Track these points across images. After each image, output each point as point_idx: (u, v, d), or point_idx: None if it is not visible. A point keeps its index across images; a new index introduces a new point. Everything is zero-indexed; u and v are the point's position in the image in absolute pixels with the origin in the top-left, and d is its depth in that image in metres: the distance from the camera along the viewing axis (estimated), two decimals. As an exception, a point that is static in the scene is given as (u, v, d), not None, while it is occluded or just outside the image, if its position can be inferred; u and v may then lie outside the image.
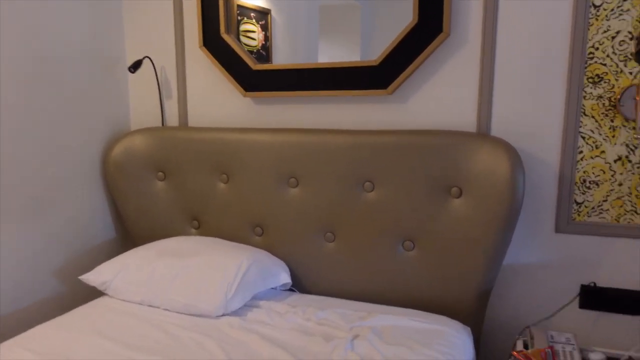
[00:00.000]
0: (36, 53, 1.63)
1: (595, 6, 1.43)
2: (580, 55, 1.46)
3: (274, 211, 1.72)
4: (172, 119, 2.00)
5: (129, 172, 1.87)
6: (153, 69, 1.96)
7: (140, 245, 1.81)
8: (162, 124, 1.99)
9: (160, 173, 1.89)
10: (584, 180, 1.52)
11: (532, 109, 1.54)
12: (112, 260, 1.66)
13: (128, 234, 2.03)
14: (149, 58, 1.93)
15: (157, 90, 1.98)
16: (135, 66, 1.87)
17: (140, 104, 2.03)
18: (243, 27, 1.80)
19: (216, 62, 1.82)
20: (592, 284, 1.54)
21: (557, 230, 1.56)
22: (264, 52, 1.80)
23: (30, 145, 1.64)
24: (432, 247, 1.54)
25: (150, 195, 1.89)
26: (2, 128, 1.54)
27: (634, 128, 1.45)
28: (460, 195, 1.49)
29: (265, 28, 1.79)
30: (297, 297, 1.63)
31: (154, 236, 1.89)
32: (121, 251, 2.00)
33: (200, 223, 1.87)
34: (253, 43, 1.80)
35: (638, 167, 1.47)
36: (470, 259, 1.48)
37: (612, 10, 1.42)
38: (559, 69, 1.49)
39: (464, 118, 1.60)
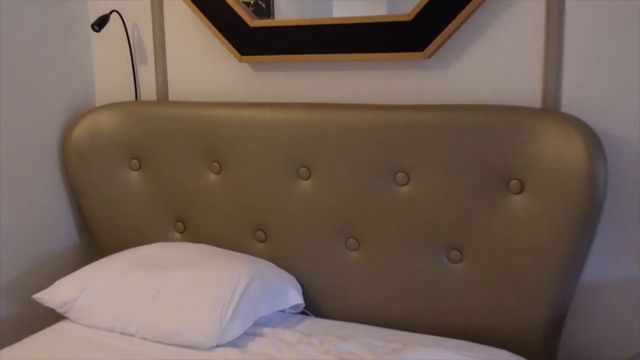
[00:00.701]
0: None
1: None
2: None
3: (280, 210, 1.72)
4: (149, 92, 2.00)
5: (94, 160, 1.87)
6: (123, 27, 1.95)
7: (109, 255, 1.81)
8: (136, 98, 2.00)
9: (134, 161, 1.89)
10: (683, 170, 1.46)
11: (613, 78, 1.48)
12: (74, 274, 1.65)
13: (94, 240, 2.04)
14: (118, 12, 1.92)
15: (129, 54, 1.97)
16: (100, 23, 1.87)
17: (108, 72, 2.04)
18: (236, -28, 1.80)
19: (204, 17, 1.81)
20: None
21: (647, 231, 1.52)
22: (263, 5, 1.81)
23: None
24: (486, 258, 1.52)
25: (121, 189, 1.90)
26: None
27: None
28: (521, 190, 1.47)
29: (264, -26, 1.81)
30: (312, 322, 1.63)
31: (127, 242, 1.88)
32: (86, 262, 1.96)
33: (185, 225, 1.88)
34: (250, -8, 1.82)
35: None
36: (536, 274, 1.45)
37: None
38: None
39: (525, 89, 1.57)
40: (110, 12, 1.89)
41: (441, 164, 1.53)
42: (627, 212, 1.52)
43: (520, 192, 1.46)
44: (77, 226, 2.00)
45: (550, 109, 1.53)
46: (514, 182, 1.46)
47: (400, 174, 1.58)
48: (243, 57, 1.79)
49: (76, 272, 1.66)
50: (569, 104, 1.52)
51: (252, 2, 1.80)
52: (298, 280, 1.68)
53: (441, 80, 1.65)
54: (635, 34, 1.44)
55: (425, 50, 1.58)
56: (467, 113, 1.51)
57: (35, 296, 1.60)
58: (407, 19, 1.58)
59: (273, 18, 1.80)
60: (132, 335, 1.50)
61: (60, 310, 1.58)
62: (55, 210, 1.92)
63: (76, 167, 1.87)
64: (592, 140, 1.38)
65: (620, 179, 1.51)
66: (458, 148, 1.50)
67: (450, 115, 1.52)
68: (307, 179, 1.68)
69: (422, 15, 1.57)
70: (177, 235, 1.89)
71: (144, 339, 1.48)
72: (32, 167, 1.83)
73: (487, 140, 1.47)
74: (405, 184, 1.58)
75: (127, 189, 1.89)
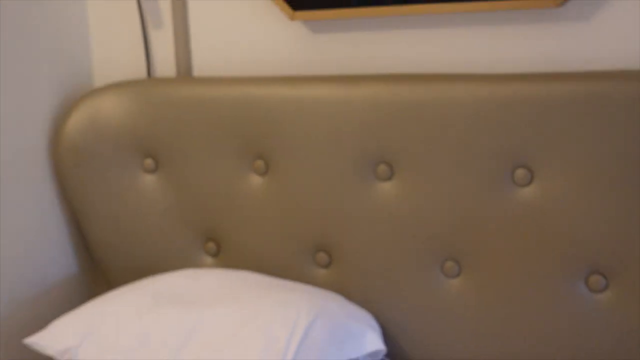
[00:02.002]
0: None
1: None
2: None
3: (350, 223, 1.74)
4: (165, 66, 2.04)
5: (94, 159, 1.91)
6: None
7: (118, 287, 1.85)
8: (148, 75, 2.03)
9: (149, 160, 1.92)
10: None
11: None
12: (75, 313, 1.68)
13: (97, 268, 2.08)
14: None
15: (138, 15, 2.01)
16: None
17: (110, 41, 2.08)
18: None
19: None
20: None
21: None
22: None
23: None
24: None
25: (132, 199, 1.93)
26: None
27: None
28: None
29: None
30: None
31: (142, 270, 1.93)
32: (88, 297, 2.05)
33: (219, 246, 1.91)
34: None
35: None
36: None
37: None
38: None
39: None
40: None
41: (575, 153, 1.52)
42: None
43: None
44: (74, 250, 2.04)
45: None
46: None
47: (520, 171, 1.58)
48: (296, 12, 1.80)
49: (78, 309, 1.68)
50: None
51: None
52: (376, 317, 1.70)
53: (579, 35, 1.64)
54: None
55: None
56: (612, 82, 1.50)
57: (28, 340, 1.63)
58: None
59: None
60: (157, 396, 1.53)
61: (61, 359, 1.61)
62: (46, 231, 1.95)
63: (71, 171, 1.91)
64: None
65: None
66: (598, 131, 1.50)
67: (590, 86, 1.51)
68: (388, 179, 1.70)
69: None
70: (209, 259, 1.91)
71: (173, 401, 1.51)
72: (12, 174, 1.85)
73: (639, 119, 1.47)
74: (528, 185, 1.58)
75: (140, 198, 1.92)
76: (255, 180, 1.82)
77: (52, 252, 1.98)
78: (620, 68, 1.61)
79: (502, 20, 1.70)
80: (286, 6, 1.81)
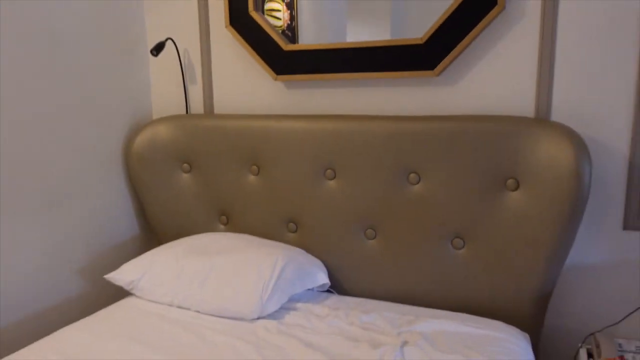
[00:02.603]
0: (51, 36, 1.63)
1: (675, -27, 1.36)
2: (657, 29, 1.39)
3: (309, 205, 1.71)
4: (197, 106, 2.00)
5: (152, 164, 1.89)
6: (176, 52, 1.96)
7: (165, 243, 1.83)
8: (187, 112, 2.00)
9: (186, 165, 1.89)
10: (659, 171, 1.45)
11: (598, 91, 1.49)
12: (138, 259, 1.67)
13: (152, 231, 2.06)
14: (172, 40, 1.93)
15: (181, 74, 1.98)
16: (158, 48, 1.87)
17: (163, 89, 2.04)
18: (268, 5, 1.79)
19: (244, 42, 1.81)
20: (667, 286, 1.49)
21: (626, 227, 1.51)
22: (289, 32, 1.80)
23: (46, 136, 1.64)
24: (485, 246, 1.51)
25: (175, 188, 1.90)
26: (15, 117, 1.55)
27: None
28: (517, 188, 1.46)
29: (290, 6, 1.78)
30: (337, 299, 1.62)
31: (180, 233, 1.91)
32: (145, 249, 2.03)
33: (229, 218, 1.88)
34: (278, 23, 1.80)
35: None
36: (527, 259, 1.45)
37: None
38: (629, 47, 1.43)
39: (521, 102, 1.57)
40: (166, 39, 1.90)
41: (447, 166, 1.52)
42: (605, 208, 1.52)
43: (516, 190, 1.45)
44: (137, 220, 2.01)
45: (542, 118, 1.51)
46: (510, 181, 1.45)
47: (412, 175, 1.57)
48: (278, 76, 1.79)
49: (140, 256, 1.68)
50: (558, 114, 1.52)
51: (280, 30, 1.79)
52: (325, 264, 1.68)
53: (449, 94, 1.64)
54: (613, 54, 1.45)
55: (435, 69, 1.58)
56: (471, 122, 1.50)
57: (107, 276, 1.63)
58: (419, 42, 1.58)
59: (298, 43, 1.78)
60: (188, 309, 1.52)
61: (127, 288, 1.61)
62: (120, 207, 1.93)
63: (137, 170, 1.89)
64: (580, 145, 1.37)
65: (600, 179, 1.51)
66: (462, 152, 1.50)
67: (456, 124, 1.51)
68: (332, 179, 1.68)
69: (433, 39, 1.56)
70: (222, 226, 1.88)
71: (198, 312, 1.50)
72: (101, 171, 1.84)
73: (488, 146, 1.46)
74: (417, 183, 1.57)
75: (179, 188, 1.89)
76: (251, 178, 1.80)
77: (123, 221, 1.96)
78: (473, 114, 1.61)
79: (402, 83, 1.69)
80: (272, 72, 1.80)
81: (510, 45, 1.55)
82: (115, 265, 1.87)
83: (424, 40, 1.58)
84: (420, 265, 1.60)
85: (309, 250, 1.72)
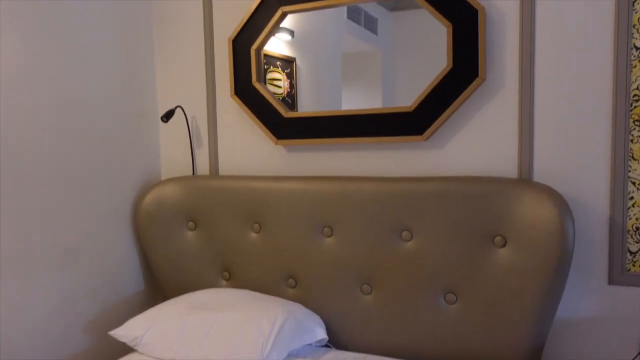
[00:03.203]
0: (69, 102, 1.74)
1: (636, 48, 1.48)
2: (625, 97, 1.49)
3: (307, 261, 1.74)
4: (203, 168, 2.07)
5: (159, 222, 1.93)
6: (184, 118, 2.06)
7: (170, 298, 1.85)
8: (193, 173, 2.07)
9: (191, 223, 1.94)
10: (637, 228, 1.52)
11: (576, 153, 1.56)
12: (143, 314, 1.70)
13: (157, 286, 2.08)
14: (181, 107, 2.04)
15: (188, 139, 2.07)
16: (168, 116, 1.97)
17: (171, 152, 2.12)
18: (269, 75, 1.90)
19: (248, 110, 1.91)
20: (654, 341, 1.51)
21: (611, 281, 1.55)
22: (289, 100, 1.89)
23: (61, 194, 1.72)
24: (476, 300, 1.53)
25: (180, 245, 1.94)
26: (34, 176, 1.64)
27: (687, 172, 1.45)
28: (504, 244, 1.50)
29: (290, 76, 1.88)
30: (335, 354, 1.63)
31: (184, 288, 1.93)
32: (150, 304, 2.05)
33: (231, 274, 1.90)
34: (279, 91, 1.90)
35: (695, 214, 1.46)
36: (518, 313, 1.47)
37: (656, 51, 1.46)
38: (603, 112, 1.53)
39: (504, 164, 1.63)
40: (175, 107, 2.00)
41: (438, 224, 1.56)
42: (591, 263, 1.56)
43: (503, 246, 1.49)
44: (143, 275, 2.04)
45: (525, 179, 1.57)
46: (498, 238, 1.49)
47: (405, 232, 1.61)
48: (279, 140, 1.87)
49: (143, 313, 1.69)
50: (539, 175, 1.59)
51: (281, 98, 1.88)
52: (322, 318, 1.69)
53: (437, 157, 1.70)
54: (588, 117, 1.53)
55: (424, 134, 1.66)
56: (458, 183, 1.55)
57: (111, 332, 1.64)
58: (409, 110, 1.66)
59: (297, 110, 1.87)
60: (190, 364, 1.51)
61: (131, 344, 1.61)
62: (127, 262, 1.97)
63: (145, 227, 1.93)
64: (562, 204, 1.42)
65: (584, 235, 1.56)
66: (451, 211, 1.54)
67: (445, 185, 1.56)
68: (329, 236, 1.71)
69: (421, 107, 1.65)
70: (224, 282, 1.90)
71: (200, 367, 1.49)
72: (111, 228, 1.89)
73: (475, 204, 1.51)
74: (409, 240, 1.61)
75: (184, 245, 1.92)
76: (253, 235, 1.84)
77: (130, 276, 2.00)
78: (461, 175, 1.66)
79: (394, 147, 1.76)
80: (273, 137, 1.88)
81: (492, 112, 1.64)
82: (120, 320, 1.88)
83: (412, 108, 1.67)
84: (415, 320, 1.61)
85: (307, 305, 1.73)
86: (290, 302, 1.72)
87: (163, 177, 2.15)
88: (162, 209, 1.93)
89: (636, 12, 1.47)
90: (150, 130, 2.09)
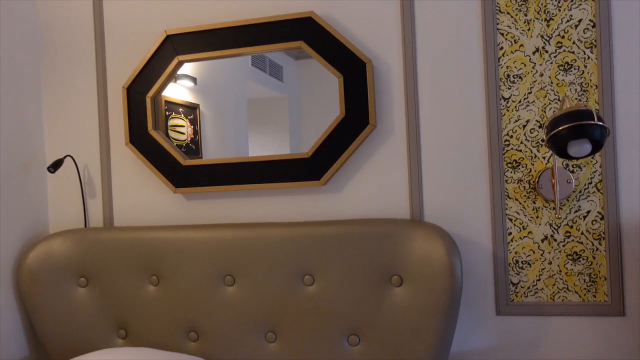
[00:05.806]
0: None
1: (504, 98, 1.65)
2: (498, 143, 1.64)
3: (209, 313, 1.70)
4: (96, 220, 1.98)
5: (45, 280, 1.81)
6: (75, 168, 1.97)
7: None
8: (85, 225, 1.97)
9: (82, 279, 1.83)
10: (517, 261, 1.64)
11: (460, 194, 1.67)
12: None
13: (44, 351, 1.92)
14: (71, 157, 1.94)
15: (80, 189, 1.97)
16: (55, 166, 1.86)
17: (61, 204, 2.01)
18: (171, 122, 1.87)
19: (144, 159, 1.86)
20: (537, 366, 1.61)
21: (498, 312, 1.65)
22: (193, 146, 1.86)
23: None
24: (378, 340, 1.56)
25: (70, 304, 1.82)
26: None
27: (554, 208, 1.61)
28: (401, 283, 1.55)
29: (194, 122, 1.86)
30: None
31: (75, 351, 1.80)
32: (34, 372, 1.87)
33: (127, 332, 1.81)
34: (182, 137, 1.87)
35: (563, 246, 1.62)
36: (417, 350, 1.50)
37: (520, 101, 1.64)
38: (481, 157, 1.66)
39: (398, 205, 1.71)
40: (65, 157, 1.89)
41: (338, 266, 1.58)
42: (479, 297, 1.65)
43: (400, 285, 1.53)
44: (27, 339, 1.88)
45: (416, 219, 1.65)
46: (395, 277, 1.53)
47: (307, 276, 1.62)
48: (177, 189, 1.83)
49: None
50: (429, 215, 1.68)
51: (184, 144, 1.86)
52: None
53: (335, 201, 1.75)
54: (469, 161, 1.65)
55: (321, 179, 1.70)
56: (355, 225, 1.58)
57: None
58: (306, 156, 1.71)
59: (201, 156, 1.84)
60: None
61: None
62: (8, 326, 1.81)
63: (28, 287, 1.79)
64: (449, 242, 1.50)
65: (472, 271, 1.65)
66: (350, 252, 1.57)
67: (343, 228, 1.59)
68: (231, 285, 1.69)
69: (317, 153, 1.70)
70: (120, 341, 1.79)
71: None
72: None
73: (371, 246, 1.54)
74: (311, 284, 1.62)
75: (74, 303, 1.81)
76: (151, 288, 1.77)
77: (12, 342, 1.83)
78: (357, 218, 1.72)
79: (294, 192, 1.79)
80: (171, 185, 1.84)
81: (384, 156, 1.72)
82: (-2, 394, 1.71)
83: (309, 155, 1.72)
84: (319, 365, 1.59)
85: (210, 358, 1.68)
86: (191, 357, 1.65)
87: (51, 231, 2.02)
88: (48, 265, 1.81)
89: (501, 67, 1.64)
90: (37, 180, 1.97)
